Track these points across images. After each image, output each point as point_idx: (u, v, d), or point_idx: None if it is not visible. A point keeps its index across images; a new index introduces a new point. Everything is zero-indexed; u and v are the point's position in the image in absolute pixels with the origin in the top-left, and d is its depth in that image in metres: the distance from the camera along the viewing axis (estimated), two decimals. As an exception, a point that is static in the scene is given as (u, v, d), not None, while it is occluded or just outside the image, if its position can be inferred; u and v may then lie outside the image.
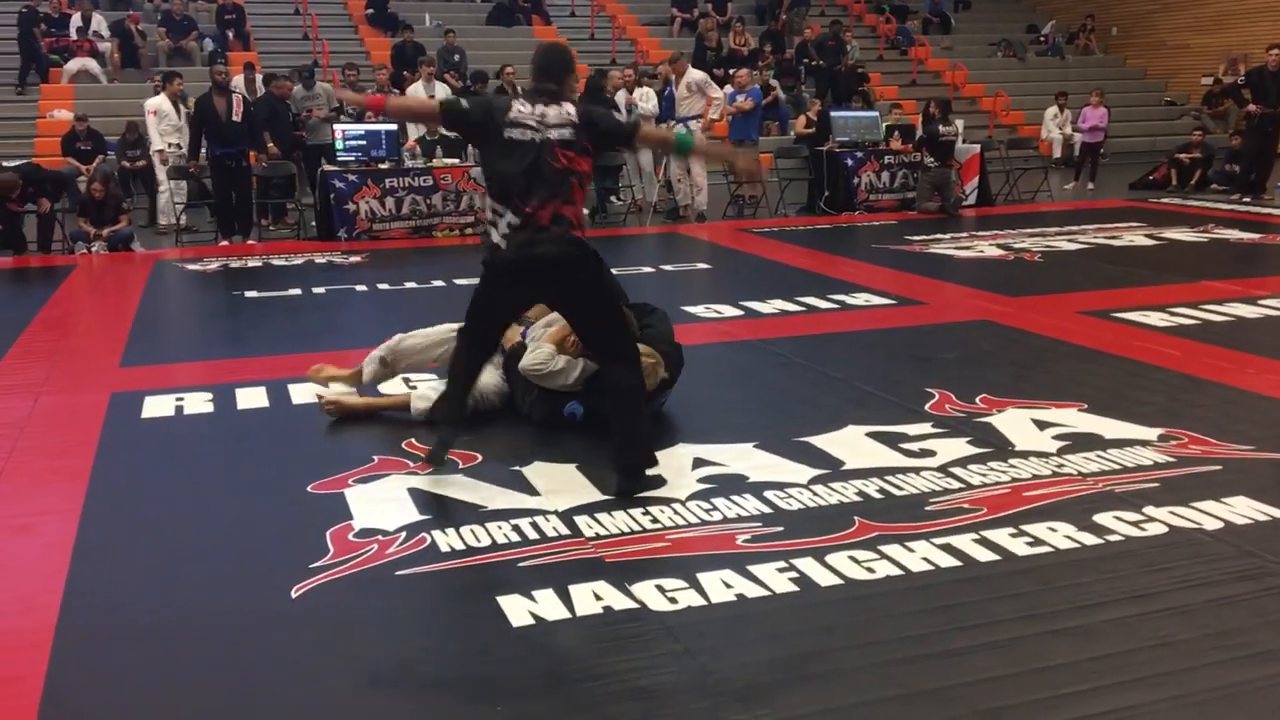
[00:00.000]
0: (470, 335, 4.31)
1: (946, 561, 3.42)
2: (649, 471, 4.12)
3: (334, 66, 15.31)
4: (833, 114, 13.39)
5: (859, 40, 19.70)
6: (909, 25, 21.61)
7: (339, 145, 11.07)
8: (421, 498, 4.00)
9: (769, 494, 3.98)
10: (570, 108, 4.06)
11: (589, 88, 12.36)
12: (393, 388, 5.36)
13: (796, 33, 19.60)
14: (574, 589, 3.26)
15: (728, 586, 3.27)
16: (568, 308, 4.21)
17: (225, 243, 10.90)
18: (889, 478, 4.12)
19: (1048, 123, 17.55)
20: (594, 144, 4.07)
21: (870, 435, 4.61)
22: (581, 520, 3.77)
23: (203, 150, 10.96)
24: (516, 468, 4.29)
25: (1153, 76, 21.82)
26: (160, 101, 11.65)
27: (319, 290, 8.33)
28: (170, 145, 11.56)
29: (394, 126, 11.80)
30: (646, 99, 12.88)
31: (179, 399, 5.35)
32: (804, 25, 19.86)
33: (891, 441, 4.52)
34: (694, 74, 12.15)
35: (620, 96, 13.04)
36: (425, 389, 4.99)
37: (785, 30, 19.80)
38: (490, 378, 4.88)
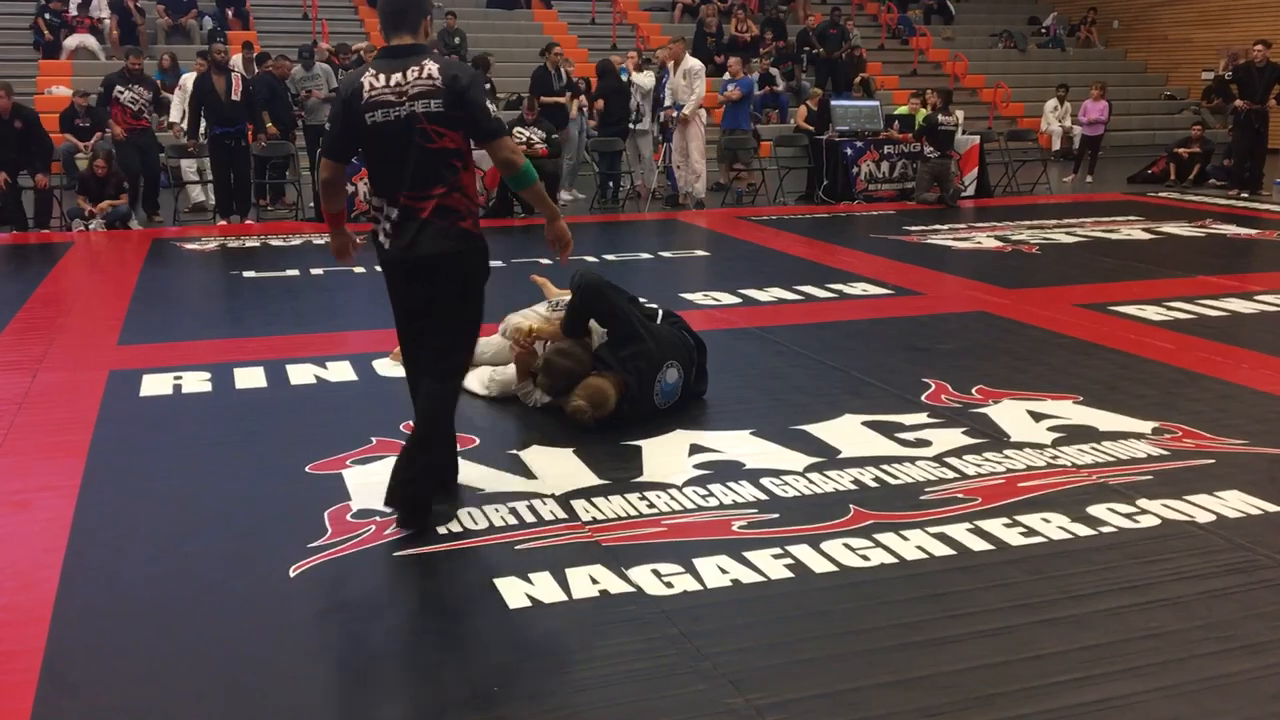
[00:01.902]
0: (405, 358, 3.87)
1: (941, 550, 3.45)
2: (439, 507, 3.67)
3: (332, 48, 15.24)
4: (833, 103, 13.37)
5: (860, 29, 19.66)
6: (910, 15, 21.56)
7: (336, 125, 11.04)
8: (419, 479, 4.01)
9: (765, 481, 4.00)
10: (432, 66, 3.46)
11: (599, 72, 12.35)
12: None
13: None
14: (570, 572, 3.28)
15: (723, 572, 3.29)
16: (435, 303, 3.63)
17: (223, 222, 10.88)
18: (885, 466, 4.15)
19: (1047, 115, 17.55)
20: (457, 122, 3.51)
21: (866, 424, 4.63)
22: (579, 504, 3.79)
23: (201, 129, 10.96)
24: (514, 452, 4.30)
25: (1153, 70, 21.82)
26: (191, 79, 11.60)
27: (317, 271, 8.33)
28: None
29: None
30: (645, 82, 12.88)
31: (177, 378, 5.36)
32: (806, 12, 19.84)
33: (887, 431, 4.54)
34: (690, 62, 12.12)
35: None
36: (479, 375, 4.99)
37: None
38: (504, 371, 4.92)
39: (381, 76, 3.47)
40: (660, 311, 5.02)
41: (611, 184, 12.52)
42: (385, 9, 3.56)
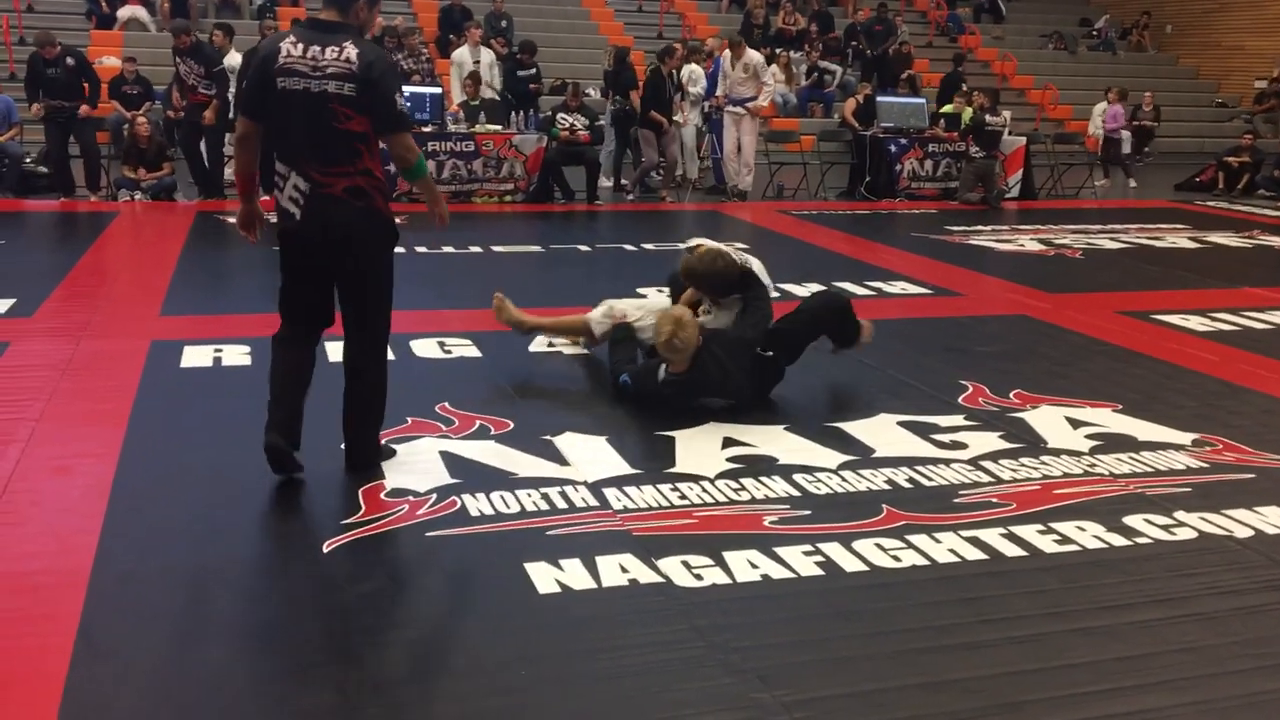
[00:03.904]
0: (284, 324, 3.92)
1: (973, 554, 3.42)
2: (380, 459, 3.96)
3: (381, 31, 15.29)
4: (879, 99, 13.28)
5: (908, 25, 19.51)
6: (960, 12, 21.36)
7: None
8: (453, 461, 4.04)
9: (798, 477, 3.99)
10: (352, 50, 3.53)
11: (649, 76, 12.19)
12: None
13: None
14: (600, 560, 3.28)
15: (753, 567, 3.29)
16: (346, 279, 3.80)
17: (267, 197, 10.92)
18: (919, 468, 4.12)
19: (1095, 118, 17.32)
20: (366, 109, 3.57)
21: (902, 424, 4.61)
22: (610, 493, 3.79)
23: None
24: (548, 437, 4.31)
25: (1205, 77, 21.51)
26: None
27: (357, 250, 8.36)
28: None
29: (438, 90, 11.82)
30: (695, 80, 12.80)
31: (217, 350, 5.41)
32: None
33: (923, 432, 4.52)
34: (753, 55, 12.06)
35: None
36: (602, 311, 5.15)
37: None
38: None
39: (300, 46, 3.56)
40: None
41: (653, 174, 12.49)
42: None
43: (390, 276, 3.89)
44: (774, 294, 5.05)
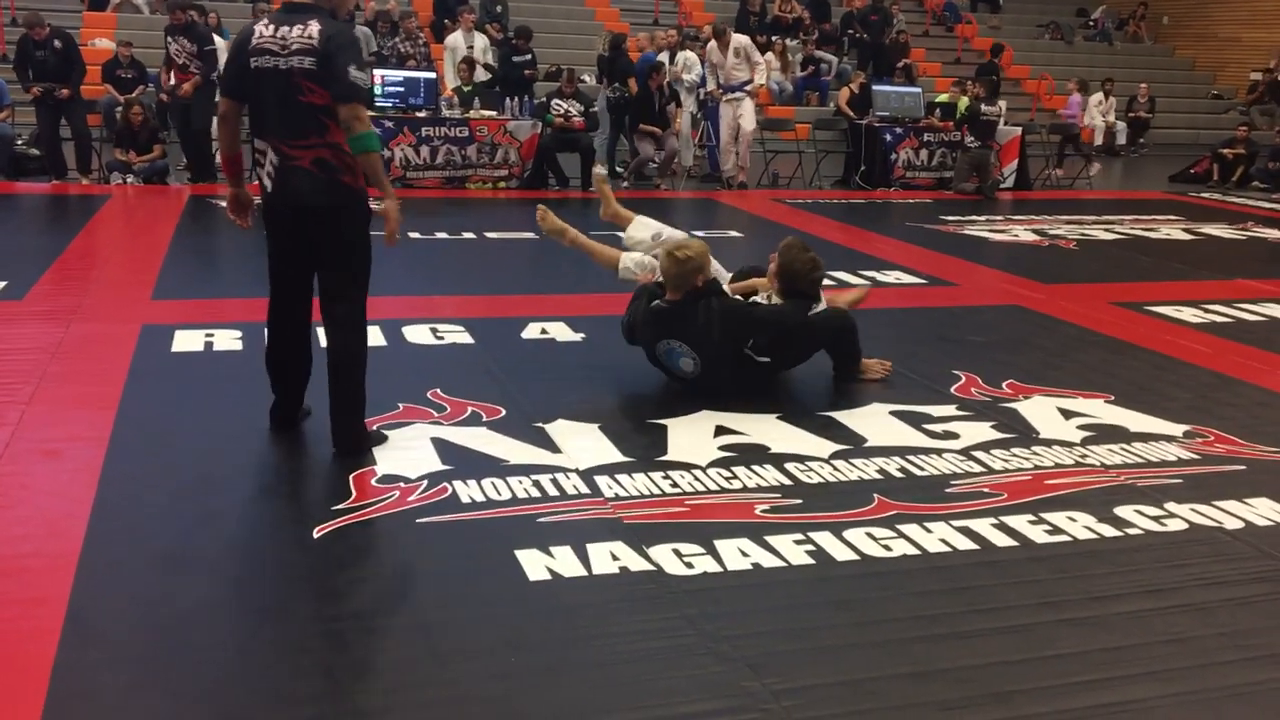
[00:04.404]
0: (271, 297, 4.06)
1: (964, 544, 3.43)
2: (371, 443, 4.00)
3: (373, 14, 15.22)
4: (874, 88, 13.26)
5: (904, 14, 19.45)
6: (956, 1, 21.32)
7: (377, 90, 11.04)
8: (444, 448, 4.03)
9: (790, 466, 3.99)
10: (315, 27, 3.72)
11: (639, 91, 12.12)
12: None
13: None
14: (591, 548, 3.28)
15: (744, 555, 3.29)
16: (318, 251, 3.91)
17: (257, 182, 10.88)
18: (911, 457, 4.12)
19: (1091, 109, 17.33)
20: (324, 81, 3.71)
21: (894, 414, 4.61)
22: (602, 480, 3.79)
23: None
24: (539, 424, 4.31)
25: (1201, 68, 21.50)
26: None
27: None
28: None
29: (432, 75, 11.77)
30: (691, 67, 12.75)
31: (209, 335, 5.39)
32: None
33: (915, 421, 4.52)
34: (740, 39, 12.02)
35: (663, 58, 12.97)
36: (637, 258, 5.03)
37: None
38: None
39: (271, 27, 3.77)
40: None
41: (650, 162, 12.45)
42: None
43: (365, 251, 3.95)
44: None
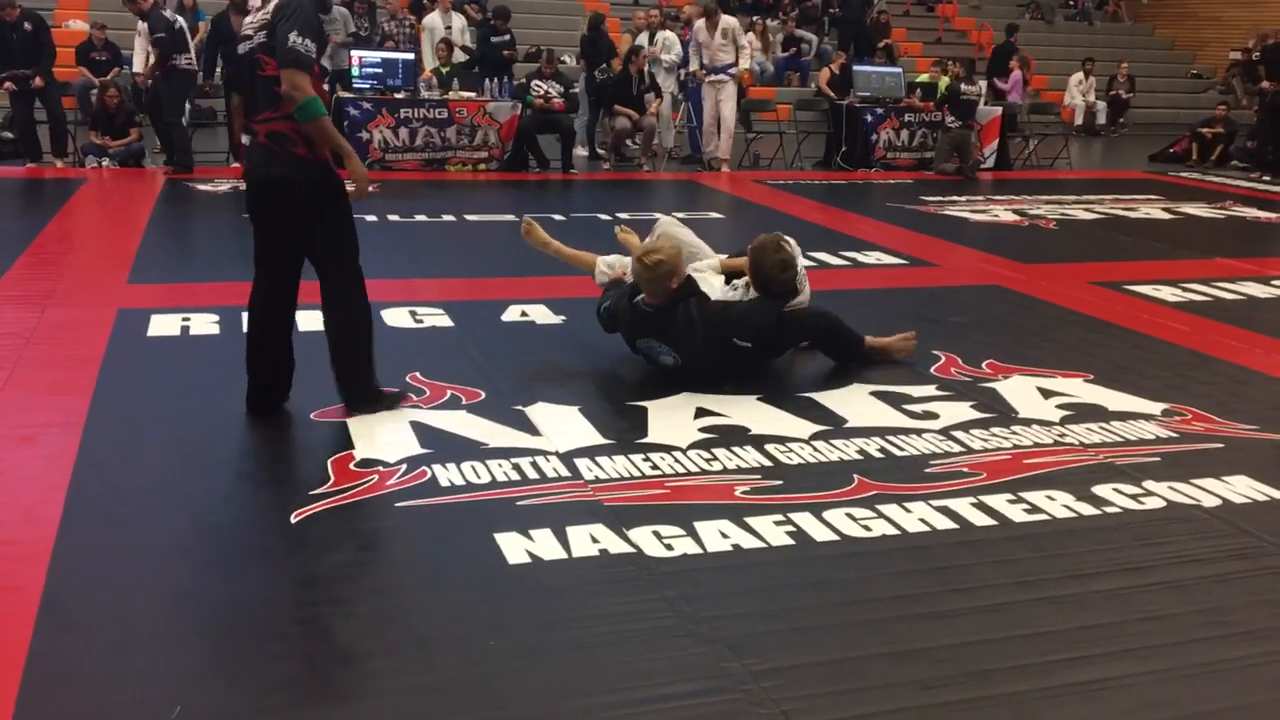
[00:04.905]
0: (255, 273, 4.12)
1: (943, 524, 3.43)
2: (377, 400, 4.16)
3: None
4: (855, 68, 13.23)
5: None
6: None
7: (355, 72, 10.97)
8: (423, 431, 4.01)
9: (770, 447, 3.99)
10: (271, 5, 3.85)
11: (619, 73, 12.02)
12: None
13: None
14: (571, 530, 3.27)
15: (724, 537, 3.28)
16: (291, 227, 3.95)
17: (237, 165, 10.83)
18: (890, 438, 4.13)
19: (1072, 89, 17.37)
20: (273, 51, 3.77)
21: (874, 394, 4.61)
22: (582, 463, 3.78)
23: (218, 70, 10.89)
24: (519, 407, 4.29)
25: (1180, 48, 21.56)
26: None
27: (329, 218, 8.28)
28: None
29: (410, 55, 11.69)
30: (670, 47, 12.69)
31: (185, 319, 5.35)
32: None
33: (895, 402, 4.52)
34: (729, 20, 11.94)
35: (642, 38, 12.91)
36: (609, 260, 5.10)
37: None
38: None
39: (246, 15, 4.04)
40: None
41: (628, 142, 12.41)
42: None
43: (341, 224, 4.01)
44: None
